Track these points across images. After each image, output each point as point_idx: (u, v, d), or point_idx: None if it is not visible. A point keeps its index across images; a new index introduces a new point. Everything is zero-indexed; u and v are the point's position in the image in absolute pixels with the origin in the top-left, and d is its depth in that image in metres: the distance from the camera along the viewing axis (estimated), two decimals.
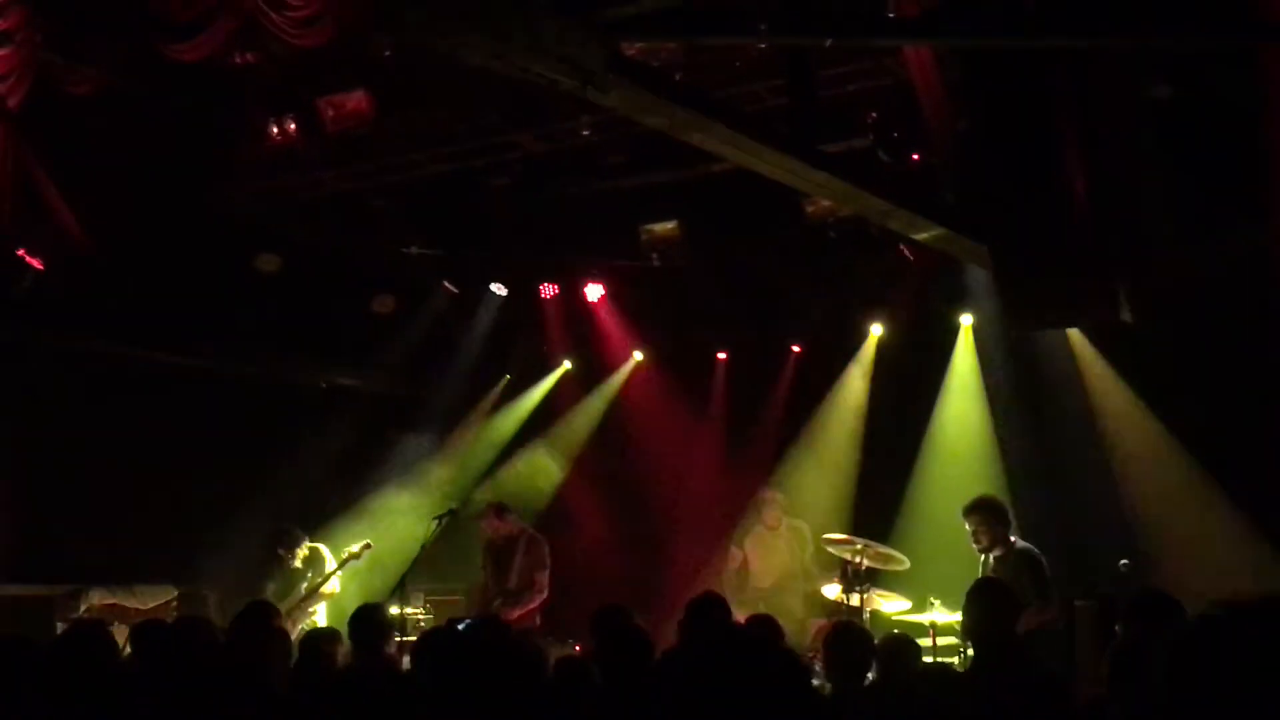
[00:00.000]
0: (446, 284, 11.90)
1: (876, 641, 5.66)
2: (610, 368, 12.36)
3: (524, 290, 11.91)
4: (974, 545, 7.58)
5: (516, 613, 9.05)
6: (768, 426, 11.54)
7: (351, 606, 6.71)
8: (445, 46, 5.18)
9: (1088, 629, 8.08)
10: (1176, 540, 8.70)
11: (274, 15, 7.04)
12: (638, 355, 12.28)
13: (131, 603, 9.60)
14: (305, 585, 9.21)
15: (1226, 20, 5.39)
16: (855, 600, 8.50)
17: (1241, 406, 8.61)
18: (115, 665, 4.68)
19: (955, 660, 7.76)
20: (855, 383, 11.05)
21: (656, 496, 11.77)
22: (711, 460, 11.68)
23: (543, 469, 12.28)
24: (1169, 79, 6.72)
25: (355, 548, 9.25)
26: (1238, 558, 8.37)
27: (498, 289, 11.90)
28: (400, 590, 8.61)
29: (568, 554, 10.41)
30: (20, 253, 8.77)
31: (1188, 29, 5.35)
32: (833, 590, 8.98)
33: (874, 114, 7.83)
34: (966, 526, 7.63)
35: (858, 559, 8.59)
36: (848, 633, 5.61)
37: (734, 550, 10.33)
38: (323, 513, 10.80)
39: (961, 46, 6.19)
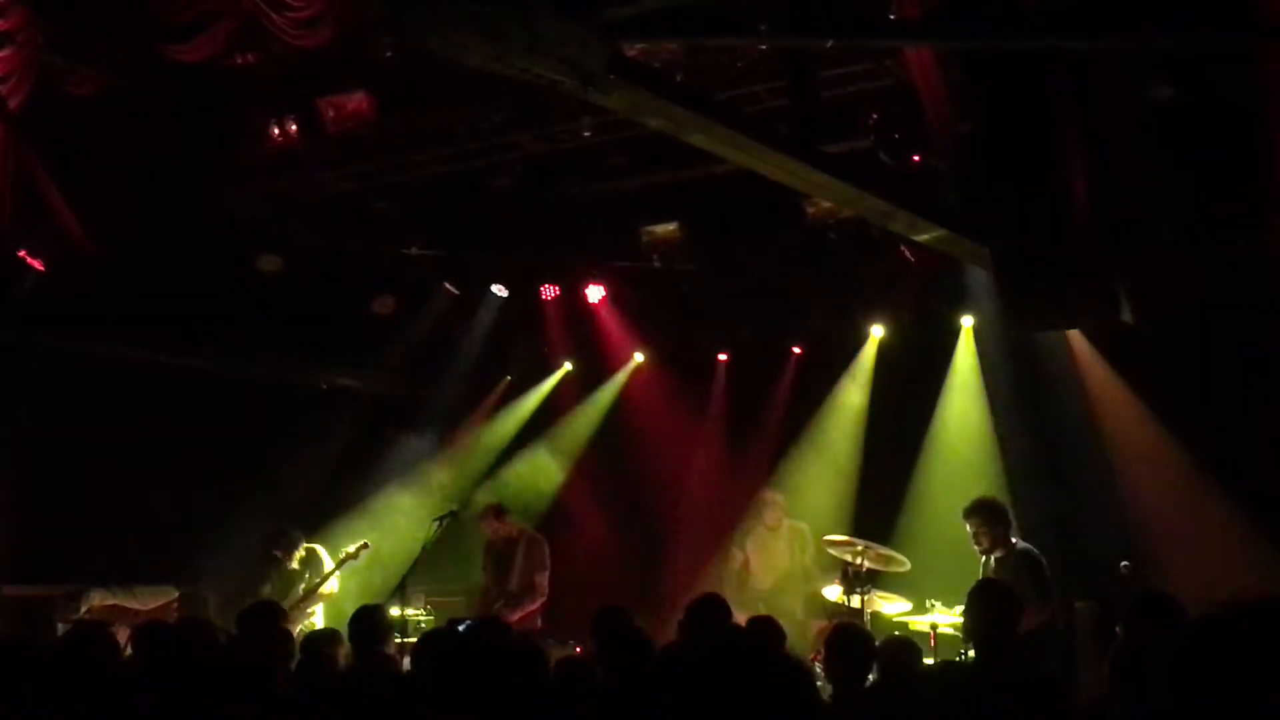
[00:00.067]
0: (447, 285, 11.88)
1: (877, 643, 5.66)
2: (611, 369, 12.34)
3: (525, 291, 11.90)
4: (975, 547, 7.59)
5: (517, 616, 9.06)
6: (768, 428, 11.52)
7: (351, 607, 6.70)
8: (445, 47, 5.17)
9: (1088, 630, 8.09)
10: (1176, 541, 8.68)
11: (274, 16, 7.06)
12: (638, 356, 12.26)
13: (132, 604, 9.60)
14: (303, 586, 9.21)
15: (1226, 20, 5.38)
16: (856, 602, 8.51)
17: (1242, 407, 8.61)
18: (116, 666, 4.68)
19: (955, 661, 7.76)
20: (856, 384, 11.02)
21: (657, 498, 11.76)
22: (712, 461, 11.67)
23: (543, 470, 12.27)
24: (1169, 79, 6.71)
25: (353, 548, 9.25)
26: (1238, 558, 8.36)
27: (498, 290, 11.88)
28: (401, 591, 8.62)
29: (568, 555, 10.42)
30: (21, 253, 8.78)
31: (1188, 29, 5.34)
32: (833, 591, 8.98)
33: (875, 115, 7.82)
34: (967, 528, 7.63)
35: (858, 560, 8.59)
36: (848, 634, 5.60)
37: (734, 551, 10.33)
38: (323, 513, 10.79)
39: (962, 48, 6.18)
